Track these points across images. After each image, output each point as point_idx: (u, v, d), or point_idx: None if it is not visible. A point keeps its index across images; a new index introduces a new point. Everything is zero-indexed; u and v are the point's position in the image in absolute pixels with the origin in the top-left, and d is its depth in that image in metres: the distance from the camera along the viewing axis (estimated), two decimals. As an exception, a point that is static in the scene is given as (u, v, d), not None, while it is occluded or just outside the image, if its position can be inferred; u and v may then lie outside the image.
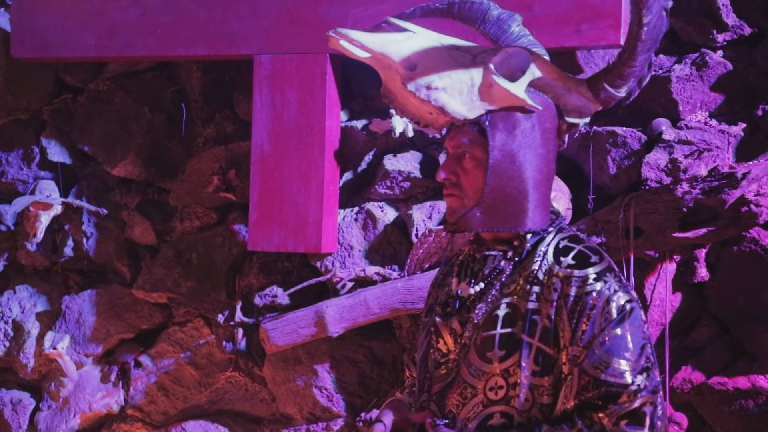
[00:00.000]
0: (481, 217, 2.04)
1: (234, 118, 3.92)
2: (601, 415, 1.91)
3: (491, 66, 1.99)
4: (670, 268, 3.26)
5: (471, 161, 2.04)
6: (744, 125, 3.22)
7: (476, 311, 2.06)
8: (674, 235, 3.17)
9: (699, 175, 3.13)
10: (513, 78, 2.01)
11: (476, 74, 1.99)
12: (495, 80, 1.99)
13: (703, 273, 3.26)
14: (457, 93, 1.99)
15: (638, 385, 1.91)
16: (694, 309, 3.33)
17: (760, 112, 3.21)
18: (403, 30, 2.04)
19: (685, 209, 3.14)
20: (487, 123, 2.02)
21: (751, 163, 3.09)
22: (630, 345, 1.93)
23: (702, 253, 3.26)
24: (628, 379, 1.91)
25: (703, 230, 3.16)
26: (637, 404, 1.91)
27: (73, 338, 4.12)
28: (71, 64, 4.10)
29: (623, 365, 1.92)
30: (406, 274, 3.54)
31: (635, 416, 1.90)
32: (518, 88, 2.01)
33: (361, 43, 1.98)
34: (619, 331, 1.93)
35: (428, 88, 1.98)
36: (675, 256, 3.27)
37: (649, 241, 3.22)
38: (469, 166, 2.04)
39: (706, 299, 3.31)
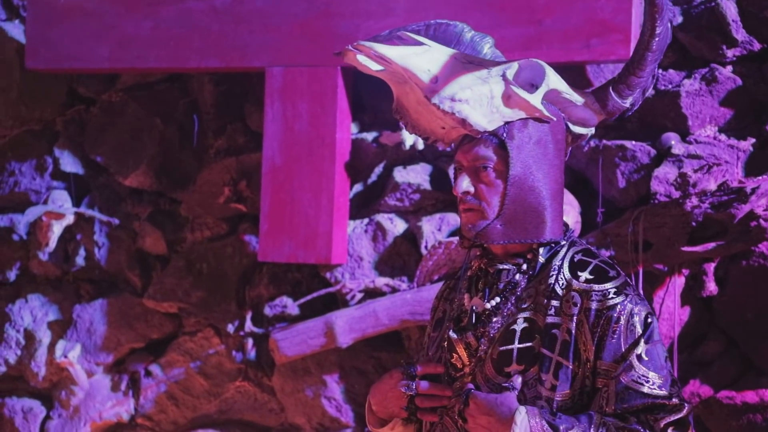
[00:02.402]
0: (502, 229, 2.05)
1: (245, 129, 3.94)
2: (649, 418, 1.95)
3: (509, 77, 2.01)
4: (678, 281, 3.27)
5: (490, 174, 2.05)
6: (753, 140, 3.23)
7: (492, 325, 2.07)
8: (683, 249, 3.17)
9: (708, 190, 3.14)
10: (525, 90, 2.04)
11: (495, 86, 2.01)
12: (514, 91, 2.01)
13: (711, 287, 3.27)
14: (478, 105, 2.01)
15: (678, 396, 1.97)
16: (702, 323, 3.34)
17: (769, 128, 3.23)
18: (418, 43, 2.06)
19: (694, 223, 3.14)
20: (505, 135, 2.03)
21: (760, 177, 3.10)
22: (660, 358, 1.98)
23: (711, 267, 3.27)
24: (666, 390, 1.96)
25: (712, 244, 3.17)
26: (684, 413, 1.95)
27: (84, 347, 4.13)
28: (84, 76, 4.13)
29: (659, 378, 1.96)
30: (415, 285, 3.56)
31: (683, 424, 1.96)
32: (536, 99, 2.03)
33: (381, 56, 1.99)
34: (650, 345, 1.97)
35: (452, 99, 1.99)
36: (684, 270, 3.28)
37: (658, 255, 3.23)
38: (488, 179, 2.05)
39: (715, 313, 3.32)
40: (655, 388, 1.94)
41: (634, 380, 1.94)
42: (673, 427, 1.93)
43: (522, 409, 1.94)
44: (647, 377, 1.95)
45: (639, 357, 1.95)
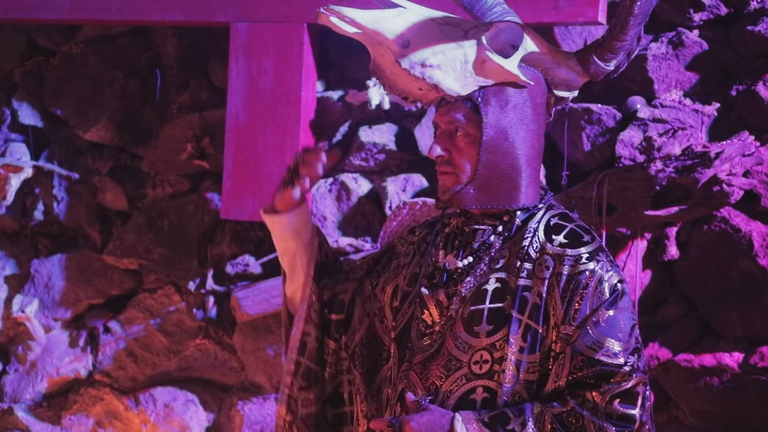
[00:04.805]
0: (475, 193, 2.04)
1: (209, 85, 3.89)
2: (594, 393, 1.92)
3: (484, 41, 1.99)
4: (641, 245, 3.29)
5: (464, 138, 2.03)
6: (718, 105, 3.25)
7: (464, 284, 2.06)
8: (646, 212, 3.19)
9: (672, 154, 3.15)
10: (504, 53, 2.01)
11: (469, 50, 1.99)
12: (488, 56, 1.98)
13: (673, 251, 3.29)
14: (451, 70, 1.98)
15: (632, 365, 1.93)
16: (662, 287, 3.37)
17: (734, 93, 3.24)
18: (394, 6, 2.03)
19: (658, 187, 3.16)
20: (479, 99, 2.01)
21: (724, 143, 3.11)
22: (622, 325, 1.96)
23: (673, 231, 3.29)
24: (622, 359, 1.93)
25: (675, 208, 3.19)
26: (631, 384, 1.93)
27: (42, 302, 4.10)
28: (44, 26, 4.05)
29: (616, 346, 1.94)
30: (379, 245, 3.55)
31: (629, 395, 1.93)
32: (511, 64, 2.01)
33: (352, 20, 1.96)
34: (612, 312, 1.95)
35: (422, 65, 1.96)
36: (646, 234, 3.30)
37: (621, 219, 3.24)
38: (462, 143, 2.03)
39: (675, 277, 3.35)
40: (608, 355, 1.92)
41: (589, 347, 1.93)
42: (620, 399, 1.92)
43: (458, 416, 1.93)
44: (602, 344, 1.93)
45: (596, 323, 1.93)
